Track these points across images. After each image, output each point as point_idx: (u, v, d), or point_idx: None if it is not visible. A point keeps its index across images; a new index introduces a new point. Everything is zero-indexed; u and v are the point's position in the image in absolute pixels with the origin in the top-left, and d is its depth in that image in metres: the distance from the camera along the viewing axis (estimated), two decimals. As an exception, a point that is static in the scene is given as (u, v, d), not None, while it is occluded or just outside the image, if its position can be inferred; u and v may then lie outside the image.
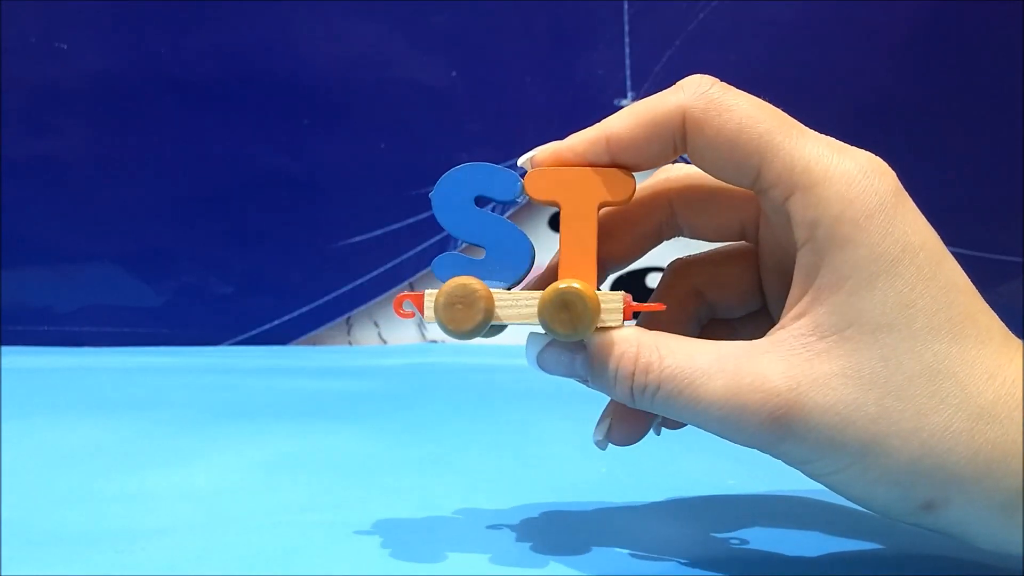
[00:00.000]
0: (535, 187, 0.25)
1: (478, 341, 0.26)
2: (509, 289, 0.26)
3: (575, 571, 0.26)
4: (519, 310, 0.25)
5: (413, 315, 0.26)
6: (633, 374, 0.24)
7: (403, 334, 0.80)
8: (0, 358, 0.68)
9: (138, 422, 0.47)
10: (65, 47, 0.74)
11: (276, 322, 0.78)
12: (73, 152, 0.75)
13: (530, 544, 0.28)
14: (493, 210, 0.26)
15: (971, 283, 0.23)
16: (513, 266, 0.26)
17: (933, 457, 0.21)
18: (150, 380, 0.62)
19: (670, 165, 0.28)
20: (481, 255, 0.26)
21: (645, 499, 0.33)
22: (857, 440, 0.21)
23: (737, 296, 0.28)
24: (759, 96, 0.25)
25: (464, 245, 0.27)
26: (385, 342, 0.80)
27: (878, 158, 0.23)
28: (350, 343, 0.80)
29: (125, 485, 0.35)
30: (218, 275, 0.78)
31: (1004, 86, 0.79)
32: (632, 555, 0.27)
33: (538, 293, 0.25)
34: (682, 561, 0.27)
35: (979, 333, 0.22)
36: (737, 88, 0.25)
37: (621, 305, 0.25)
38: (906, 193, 0.23)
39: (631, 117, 0.24)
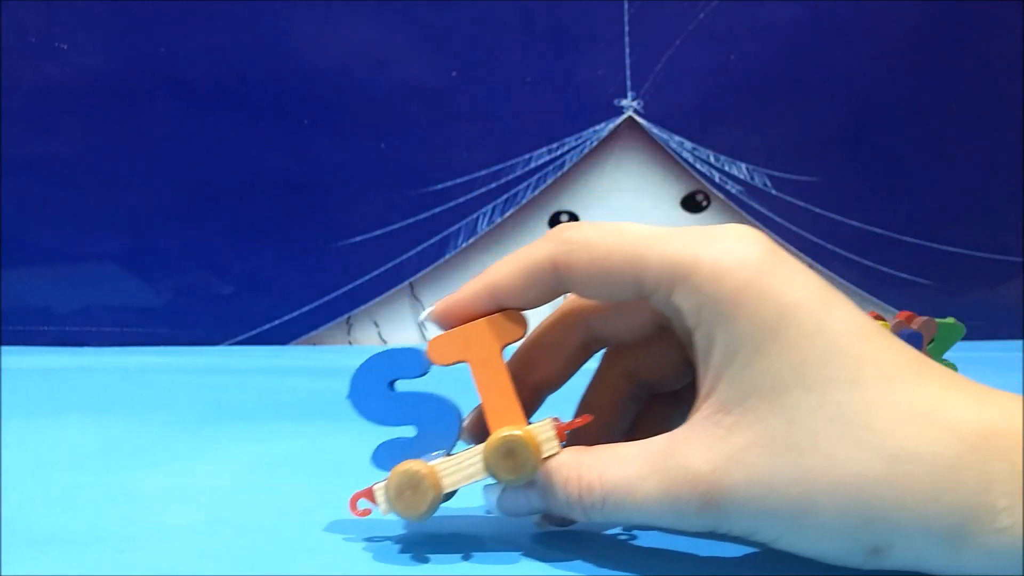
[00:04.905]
0: (439, 354, 0.26)
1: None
2: (449, 453, 0.26)
3: (576, 571, 0.26)
4: (464, 472, 0.26)
5: (370, 511, 0.27)
6: (580, 495, 0.25)
7: (403, 334, 0.80)
8: (0, 358, 0.67)
9: (138, 422, 0.47)
10: (65, 47, 0.74)
11: (276, 322, 0.78)
12: (73, 152, 0.75)
13: (530, 544, 0.28)
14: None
15: (868, 322, 0.23)
16: (444, 434, 0.27)
17: (861, 506, 0.21)
18: (150, 380, 0.62)
19: None
20: (413, 433, 0.27)
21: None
22: (784, 505, 0.22)
23: (669, 373, 0.29)
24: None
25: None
26: (385, 342, 0.80)
27: (744, 227, 0.24)
28: (350, 343, 0.80)
29: (125, 485, 0.35)
30: (218, 275, 0.78)
31: (1004, 86, 0.79)
32: (632, 555, 0.27)
33: (477, 449, 0.26)
34: (682, 561, 0.27)
35: (880, 373, 0.22)
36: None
37: (554, 433, 0.26)
38: (780, 252, 0.24)
39: (510, 266, 0.26)
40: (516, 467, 0.25)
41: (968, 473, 0.20)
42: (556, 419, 0.26)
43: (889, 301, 0.80)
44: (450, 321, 0.27)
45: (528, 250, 0.26)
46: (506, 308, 0.26)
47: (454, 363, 0.26)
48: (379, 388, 0.27)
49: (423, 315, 0.27)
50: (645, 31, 0.77)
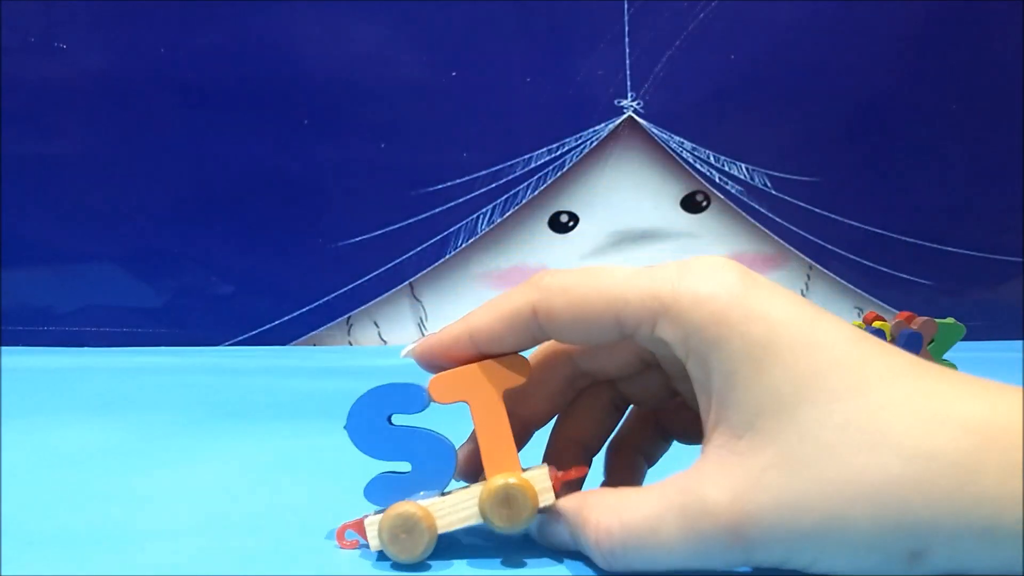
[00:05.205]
0: (440, 392, 0.26)
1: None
2: (442, 494, 0.27)
3: (577, 571, 0.26)
4: (459, 514, 0.26)
5: (357, 543, 0.27)
6: (598, 541, 0.24)
7: (403, 334, 0.80)
8: (0, 358, 0.67)
9: (138, 422, 0.47)
10: (65, 47, 0.74)
11: (276, 322, 0.78)
12: (73, 152, 0.75)
13: (531, 543, 0.28)
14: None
15: (856, 330, 0.23)
16: (439, 474, 0.27)
17: (890, 510, 0.21)
18: (150, 380, 0.62)
19: None
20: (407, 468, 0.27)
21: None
22: (814, 523, 0.21)
23: (652, 400, 0.29)
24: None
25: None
26: (385, 342, 0.80)
27: (717, 257, 0.24)
28: (350, 343, 0.80)
29: (125, 485, 0.35)
30: (218, 275, 0.78)
31: (1004, 86, 0.79)
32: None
33: (473, 492, 0.26)
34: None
35: (881, 377, 0.22)
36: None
37: (551, 484, 0.26)
38: (755, 276, 0.24)
39: (490, 312, 0.26)
40: (512, 516, 0.25)
41: (988, 464, 0.20)
42: (552, 468, 0.26)
43: (889, 301, 0.80)
44: (429, 360, 0.27)
45: (508, 296, 0.26)
46: (487, 353, 0.27)
47: (455, 402, 0.27)
48: (377, 421, 0.27)
49: (404, 351, 0.28)
50: (645, 31, 0.77)
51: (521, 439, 0.29)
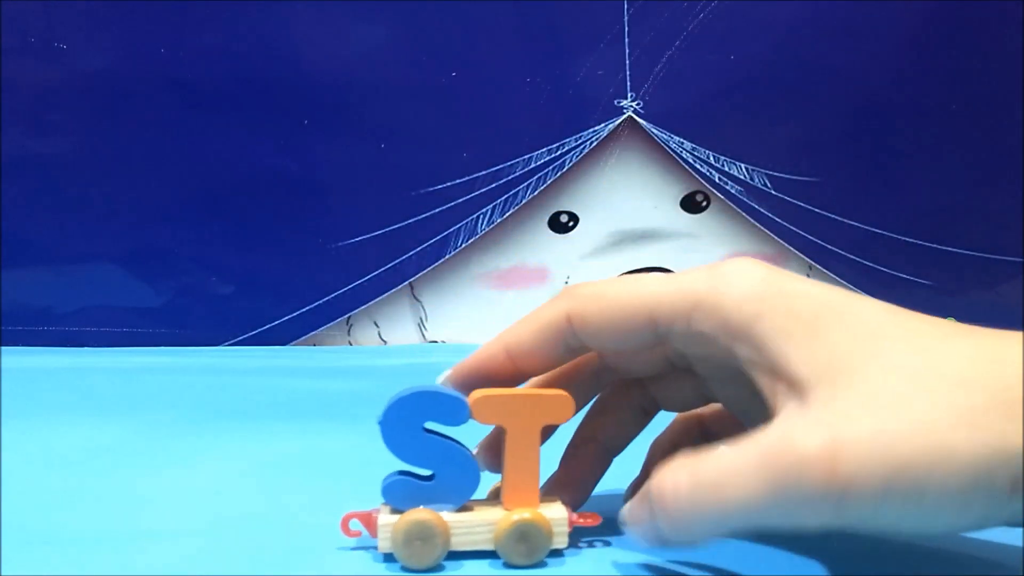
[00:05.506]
0: (482, 413, 0.27)
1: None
2: (457, 510, 0.27)
3: (577, 571, 0.26)
4: (473, 537, 0.27)
5: (360, 534, 0.27)
6: (662, 497, 0.23)
7: (403, 334, 0.80)
8: (0, 358, 0.67)
9: (138, 422, 0.47)
10: (65, 47, 0.74)
11: (276, 322, 0.78)
12: (73, 152, 0.75)
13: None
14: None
15: (891, 305, 0.24)
16: (461, 491, 0.27)
17: (989, 436, 0.20)
18: (150, 380, 0.62)
19: None
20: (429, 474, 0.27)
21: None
22: (916, 451, 0.20)
23: (682, 403, 0.30)
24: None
25: None
26: (385, 342, 0.80)
27: (745, 258, 0.25)
28: (350, 343, 0.80)
29: (125, 485, 0.35)
30: (218, 275, 0.78)
31: (1004, 86, 0.79)
32: (632, 554, 0.27)
33: (492, 520, 0.26)
34: (683, 560, 0.27)
35: (936, 334, 0.23)
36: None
37: (566, 528, 0.27)
38: (783, 271, 0.25)
39: (525, 325, 0.27)
40: (530, 551, 0.26)
41: None
42: (567, 508, 0.27)
43: (889, 301, 0.80)
44: (466, 381, 0.27)
45: (541, 308, 0.27)
46: (523, 368, 0.27)
47: (493, 424, 0.27)
48: (413, 425, 0.27)
49: (440, 378, 0.28)
50: (645, 31, 0.77)
51: (545, 434, 0.29)
